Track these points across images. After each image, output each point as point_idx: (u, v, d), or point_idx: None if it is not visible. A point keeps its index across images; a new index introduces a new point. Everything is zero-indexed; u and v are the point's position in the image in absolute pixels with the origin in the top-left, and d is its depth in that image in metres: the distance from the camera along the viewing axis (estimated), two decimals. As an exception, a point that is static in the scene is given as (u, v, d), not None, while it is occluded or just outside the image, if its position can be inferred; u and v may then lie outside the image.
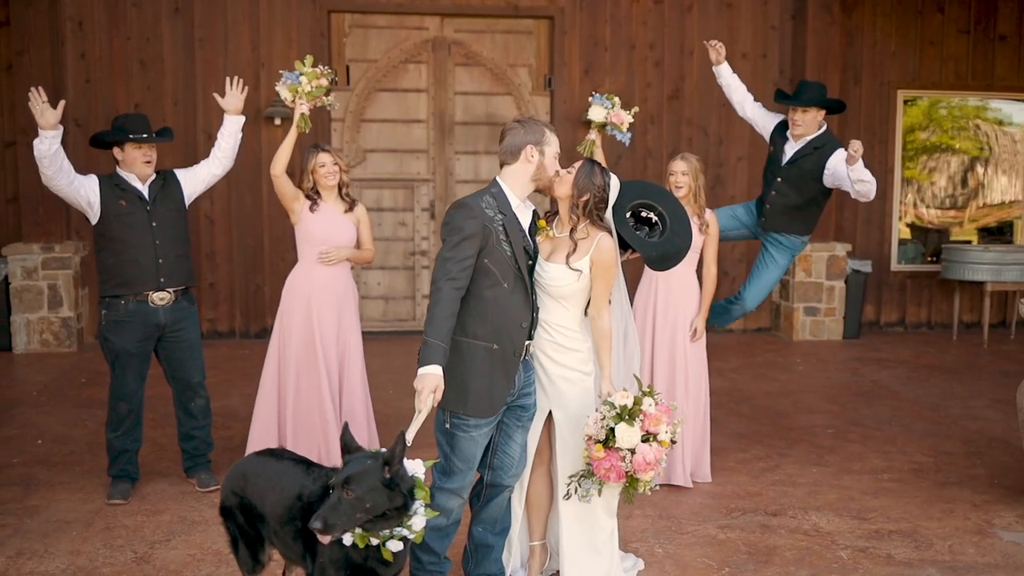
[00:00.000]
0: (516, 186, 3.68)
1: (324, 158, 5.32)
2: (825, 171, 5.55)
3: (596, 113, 5.52)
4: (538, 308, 3.76)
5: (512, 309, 3.61)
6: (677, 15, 9.66)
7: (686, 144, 9.62)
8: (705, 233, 5.34)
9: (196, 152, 8.67)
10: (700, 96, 9.74)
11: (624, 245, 3.92)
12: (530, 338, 3.71)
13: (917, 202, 10.49)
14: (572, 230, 3.79)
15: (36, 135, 4.69)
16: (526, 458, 3.89)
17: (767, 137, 5.89)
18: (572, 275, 3.72)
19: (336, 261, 5.34)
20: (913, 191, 10.46)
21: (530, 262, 3.71)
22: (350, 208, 5.45)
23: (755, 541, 4.61)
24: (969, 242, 10.46)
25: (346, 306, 5.41)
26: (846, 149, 5.32)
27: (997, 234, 10.65)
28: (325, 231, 5.33)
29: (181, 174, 5.21)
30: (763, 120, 5.92)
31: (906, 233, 10.46)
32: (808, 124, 5.55)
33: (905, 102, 10.18)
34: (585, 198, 3.76)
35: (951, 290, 10.17)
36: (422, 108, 9.60)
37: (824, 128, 5.59)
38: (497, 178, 3.70)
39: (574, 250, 3.73)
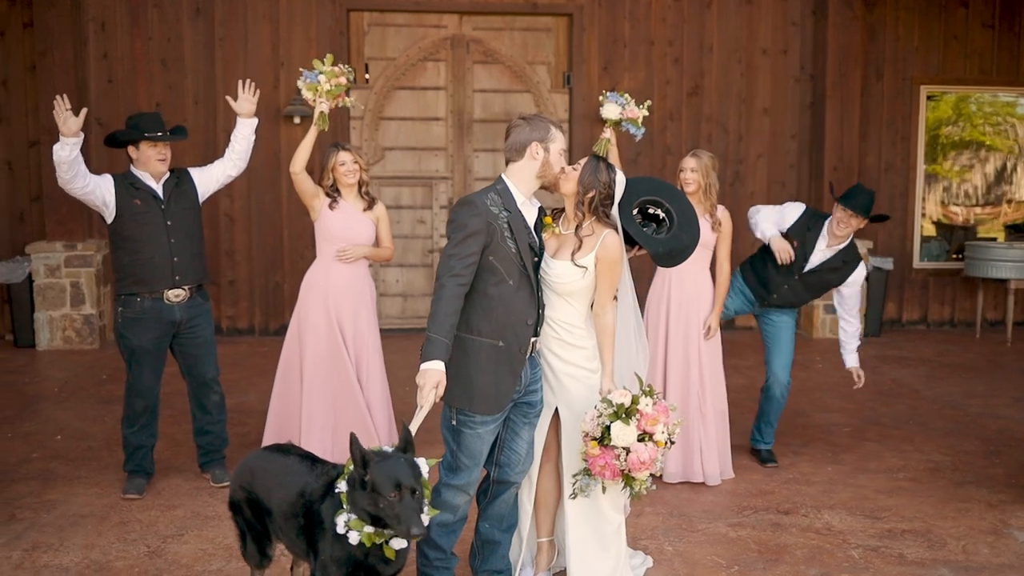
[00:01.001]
0: (521, 183, 3.69)
1: (344, 156, 5.35)
2: (844, 284, 5.57)
3: (610, 111, 5.50)
4: (544, 305, 3.76)
5: (517, 306, 3.60)
6: (696, 11, 9.61)
7: (705, 141, 9.58)
8: (718, 231, 5.32)
9: (216, 151, 8.71)
10: (719, 93, 9.68)
11: (631, 241, 3.92)
12: (536, 335, 3.71)
13: (946, 199, 10.37)
14: (578, 227, 3.79)
15: (59, 136, 4.73)
16: (533, 455, 3.89)
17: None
18: (577, 272, 3.71)
19: (354, 259, 5.36)
20: (940, 188, 10.34)
21: (536, 259, 3.71)
22: (369, 206, 5.47)
23: (766, 539, 4.59)
24: (994, 239, 10.33)
25: (364, 303, 5.43)
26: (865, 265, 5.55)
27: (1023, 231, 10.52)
28: (344, 229, 5.36)
29: (195, 173, 5.25)
30: (779, 223, 5.68)
31: (931, 230, 10.35)
32: (852, 229, 5.51)
33: (928, 98, 10.07)
34: (590, 195, 3.75)
35: (974, 288, 10.05)
36: (441, 106, 9.61)
37: (851, 238, 5.57)
38: (502, 175, 3.72)
39: (579, 247, 3.72)
